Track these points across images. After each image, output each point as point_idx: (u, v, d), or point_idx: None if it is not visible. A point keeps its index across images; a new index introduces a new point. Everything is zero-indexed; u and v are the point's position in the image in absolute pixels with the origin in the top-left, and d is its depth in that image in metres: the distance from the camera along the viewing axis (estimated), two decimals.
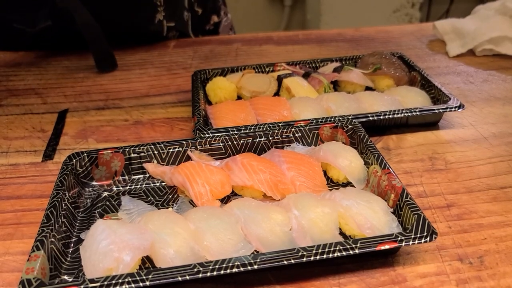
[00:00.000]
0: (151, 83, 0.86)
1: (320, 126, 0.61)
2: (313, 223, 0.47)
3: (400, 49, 0.95)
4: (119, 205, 0.54)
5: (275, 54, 0.97)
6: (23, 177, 0.61)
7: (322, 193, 0.52)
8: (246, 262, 0.41)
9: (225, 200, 0.54)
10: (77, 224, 0.51)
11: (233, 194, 0.55)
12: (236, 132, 0.61)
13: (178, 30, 1.04)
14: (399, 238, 0.43)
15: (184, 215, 0.48)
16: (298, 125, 0.61)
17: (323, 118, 0.63)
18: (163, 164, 0.58)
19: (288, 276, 0.45)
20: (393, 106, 0.68)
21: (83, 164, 0.56)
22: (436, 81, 0.73)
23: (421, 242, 0.43)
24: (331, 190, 0.54)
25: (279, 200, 0.52)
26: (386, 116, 0.64)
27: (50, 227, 0.46)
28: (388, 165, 0.53)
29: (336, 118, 0.62)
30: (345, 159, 0.55)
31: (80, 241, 0.49)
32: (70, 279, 0.44)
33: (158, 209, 0.53)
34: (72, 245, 0.49)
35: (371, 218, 0.47)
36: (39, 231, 0.45)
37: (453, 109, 0.66)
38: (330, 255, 0.42)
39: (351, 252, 0.42)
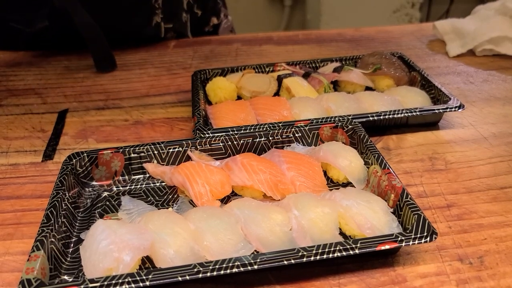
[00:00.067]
0: (151, 83, 0.86)
1: (320, 126, 0.61)
2: (313, 223, 0.47)
3: (400, 49, 0.95)
4: (119, 205, 0.54)
5: (275, 54, 0.97)
6: (23, 177, 0.61)
7: (322, 193, 0.52)
8: (246, 262, 0.41)
9: (225, 200, 0.54)
10: (77, 224, 0.51)
11: (233, 194, 0.55)
12: (236, 132, 0.61)
13: (176, 32, 1.04)
14: (399, 238, 0.43)
15: (184, 215, 0.48)
16: (298, 125, 0.61)
17: (323, 118, 0.63)
18: (163, 164, 0.58)
19: (288, 276, 0.45)
20: (393, 106, 0.68)
21: (83, 164, 0.56)
22: (436, 81, 0.73)
23: (421, 242, 0.43)
24: (331, 190, 0.54)
25: (279, 200, 0.52)
26: (386, 116, 0.64)
27: (50, 227, 0.46)
28: (388, 165, 0.53)
29: (336, 118, 0.62)
30: (345, 159, 0.55)
31: (80, 241, 0.49)
32: (70, 279, 0.44)
33: (158, 209, 0.53)
34: (72, 245, 0.49)
35: (371, 218, 0.47)
36: (39, 231, 0.45)
37: (453, 109, 0.66)
38: (330, 255, 0.42)
39: (351, 252, 0.42)
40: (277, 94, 0.75)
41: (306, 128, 0.61)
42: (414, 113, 0.64)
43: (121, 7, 0.94)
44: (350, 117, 0.62)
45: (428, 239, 0.43)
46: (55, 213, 0.48)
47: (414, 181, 0.58)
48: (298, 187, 0.54)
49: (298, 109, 0.67)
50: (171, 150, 0.58)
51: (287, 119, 0.65)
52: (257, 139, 0.60)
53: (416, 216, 0.45)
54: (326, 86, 0.74)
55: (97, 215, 0.53)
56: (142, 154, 0.58)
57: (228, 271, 0.41)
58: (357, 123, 0.61)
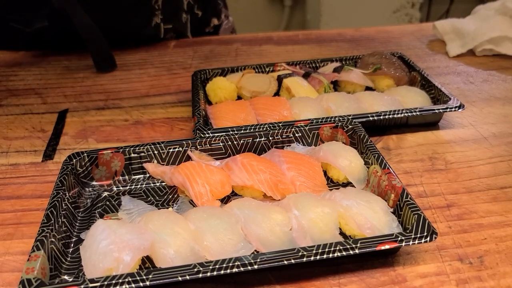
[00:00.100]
0: (151, 83, 0.86)
1: (320, 126, 0.61)
2: (313, 223, 0.47)
3: (400, 49, 0.95)
4: (119, 205, 0.54)
5: (275, 54, 0.97)
6: (23, 177, 0.61)
7: (322, 193, 0.52)
8: (246, 262, 0.41)
9: (225, 200, 0.54)
10: (77, 224, 0.51)
11: (233, 194, 0.55)
12: (236, 132, 0.61)
13: (176, 32, 1.04)
14: (399, 238, 0.43)
15: (184, 215, 0.48)
16: (298, 125, 0.61)
17: (323, 118, 0.63)
18: (163, 164, 0.58)
19: (288, 276, 0.45)
20: (393, 106, 0.68)
21: (83, 164, 0.56)
22: (436, 81, 0.73)
23: (421, 242, 0.43)
24: (331, 190, 0.54)
25: (279, 200, 0.52)
26: (386, 116, 0.64)
27: (50, 227, 0.46)
28: (388, 165, 0.53)
29: (336, 118, 0.62)
30: (345, 159, 0.55)
31: (80, 241, 0.49)
32: (70, 279, 0.44)
33: (158, 209, 0.53)
34: (72, 245, 0.49)
35: (371, 218, 0.47)
36: (39, 231, 0.45)
37: (453, 109, 0.66)
38: (330, 255, 0.42)
39: (351, 252, 0.42)
40: (277, 94, 0.75)
41: (306, 128, 0.61)
42: (414, 113, 0.64)
43: (120, 8, 0.94)
44: (350, 117, 0.62)
45: (428, 239, 0.43)
46: (55, 213, 0.48)
47: (414, 181, 0.58)
48: (298, 187, 0.54)
49: (298, 109, 0.67)
50: (171, 150, 0.58)
51: (287, 119, 0.65)
52: (257, 139, 0.60)
53: (416, 216, 0.45)
54: (326, 86, 0.74)
55: (97, 215, 0.53)
56: (142, 154, 0.58)
57: (228, 271, 0.41)
58: (357, 123, 0.61)
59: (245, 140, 0.59)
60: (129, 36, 1.01)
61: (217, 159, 0.59)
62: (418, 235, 0.43)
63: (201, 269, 0.41)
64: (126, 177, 0.58)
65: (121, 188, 0.57)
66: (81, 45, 0.90)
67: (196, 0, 1.04)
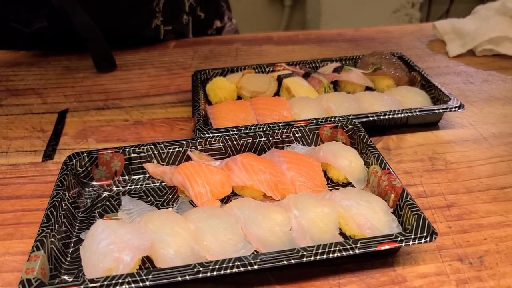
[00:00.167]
0: (151, 83, 0.86)
1: (320, 126, 0.61)
2: (313, 223, 0.47)
3: (400, 49, 0.95)
4: (119, 205, 0.54)
5: (275, 54, 0.97)
6: (23, 177, 0.61)
7: (322, 193, 0.52)
8: (246, 262, 0.41)
9: (225, 200, 0.54)
10: (77, 224, 0.51)
11: (233, 194, 0.55)
12: (236, 132, 0.61)
13: (176, 33, 1.04)
14: (399, 238, 0.43)
15: (184, 215, 0.48)
16: (298, 125, 0.61)
17: (323, 118, 0.63)
18: (163, 164, 0.58)
19: (288, 276, 0.45)
20: (393, 106, 0.68)
21: (83, 164, 0.56)
22: (436, 81, 0.73)
23: (421, 242, 0.43)
24: (331, 190, 0.54)
25: (279, 200, 0.52)
26: (386, 116, 0.64)
27: (50, 227, 0.46)
28: (388, 165, 0.53)
29: (336, 118, 0.62)
30: (345, 159, 0.55)
31: (80, 241, 0.49)
32: (70, 279, 0.44)
33: (158, 209, 0.53)
34: (72, 245, 0.49)
35: (371, 218, 0.47)
36: (39, 231, 0.45)
37: (453, 109, 0.66)
38: (330, 255, 0.42)
39: (351, 252, 0.42)
40: (277, 94, 0.75)
41: (306, 128, 0.61)
42: (414, 113, 0.64)
43: (120, 9, 0.94)
44: (350, 117, 0.62)
45: (428, 239, 0.43)
46: (55, 213, 0.48)
47: (414, 181, 0.58)
48: (298, 187, 0.54)
49: (298, 109, 0.67)
50: (171, 150, 0.58)
51: (287, 119, 0.65)
52: (257, 139, 0.60)
53: (416, 216, 0.45)
54: (326, 86, 0.74)
55: (97, 215, 0.53)
56: (142, 154, 0.58)
57: (228, 271, 0.41)
58: (357, 123, 0.61)
59: (245, 140, 0.59)
60: (128, 36, 1.01)
61: (217, 159, 0.59)
62: (418, 235, 0.43)
63: (201, 269, 0.41)
64: (126, 177, 0.58)
65: (121, 188, 0.57)
66: (81, 45, 0.90)
67: (198, 2, 1.04)
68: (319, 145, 0.60)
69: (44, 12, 0.92)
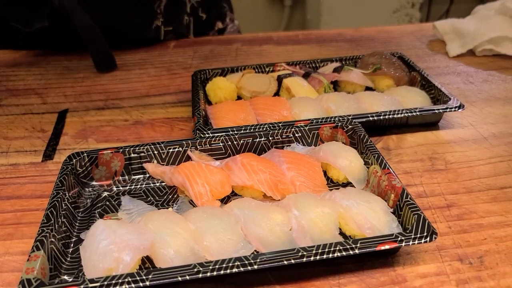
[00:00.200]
0: (151, 83, 0.86)
1: (320, 126, 0.61)
2: (313, 223, 0.47)
3: (400, 49, 0.95)
4: (119, 205, 0.54)
5: (275, 54, 0.97)
6: (23, 177, 0.61)
7: (322, 193, 0.52)
8: (246, 262, 0.41)
9: (225, 200, 0.54)
10: (77, 224, 0.51)
11: (233, 194, 0.55)
12: (236, 132, 0.61)
13: (177, 34, 1.04)
14: (399, 238, 0.43)
15: (184, 215, 0.48)
16: (298, 125, 0.61)
17: (323, 118, 0.63)
18: (163, 164, 0.58)
19: (288, 276, 0.45)
20: (393, 106, 0.68)
21: (83, 164, 0.56)
22: (436, 81, 0.73)
23: (421, 242, 0.43)
24: (331, 190, 0.54)
25: (279, 200, 0.52)
26: (386, 116, 0.64)
27: (50, 227, 0.46)
28: (388, 165, 0.53)
29: (336, 118, 0.62)
30: (345, 159, 0.55)
31: (80, 241, 0.49)
32: (70, 279, 0.44)
33: (158, 209, 0.53)
34: (72, 245, 0.49)
35: (371, 218, 0.47)
36: (39, 231, 0.45)
37: (453, 109, 0.66)
38: (330, 255, 0.42)
39: (351, 252, 0.42)
40: (277, 94, 0.75)
41: (306, 128, 0.61)
42: (414, 113, 0.64)
43: (121, 10, 0.94)
44: (350, 117, 0.62)
45: (428, 239, 0.43)
46: (55, 213, 0.48)
47: (414, 181, 0.58)
48: (298, 187, 0.54)
49: (298, 109, 0.66)
50: (171, 150, 0.58)
51: (287, 119, 0.65)
52: (257, 139, 0.60)
53: (416, 216, 0.45)
54: (326, 86, 0.74)
55: (97, 215, 0.53)
56: (142, 154, 0.58)
57: (228, 271, 0.41)
58: (357, 123, 0.61)
59: (245, 140, 0.59)
60: (129, 37, 1.01)
61: (217, 159, 0.59)
62: (418, 235, 0.43)
63: (201, 269, 0.41)
64: (126, 177, 0.58)
65: (121, 188, 0.57)
66: (81, 45, 0.90)
67: (200, 3, 1.04)
68: (319, 145, 0.60)
69: (45, 12, 0.92)
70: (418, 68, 0.78)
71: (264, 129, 0.61)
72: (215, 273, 0.41)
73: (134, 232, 0.44)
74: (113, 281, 0.39)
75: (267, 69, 0.80)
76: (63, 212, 0.50)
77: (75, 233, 0.50)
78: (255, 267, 0.41)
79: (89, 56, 0.91)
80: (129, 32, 0.99)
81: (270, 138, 0.60)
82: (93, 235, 0.44)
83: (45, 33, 0.94)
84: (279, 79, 0.75)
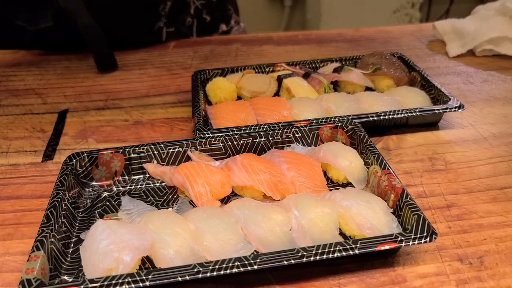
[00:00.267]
0: (151, 83, 0.86)
1: (320, 126, 0.61)
2: (313, 223, 0.47)
3: (400, 49, 0.95)
4: (119, 205, 0.54)
5: (275, 54, 0.97)
6: (23, 177, 0.61)
7: (322, 194, 0.52)
8: (246, 262, 0.41)
9: (225, 200, 0.54)
10: (77, 224, 0.51)
11: (233, 194, 0.55)
12: (236, 132, 0.61)
13: (179, 35, 1.04)
14: (399, 239, 0.43)
15: (184, 215, 0.48)
16: (298, 125, 0.61)
17: (323, 118, 0.63)
18: (163, 164, 0.58)
19: (288, 276, 0.45)
20: (393, 106, 0.68)
21: (83, 164, 0.56)
22: (436, 81, 0.73)
23: (421, 243, 0.43)
24: (331, 190, 0.54)
25: (279, 200, 0.52)
26: (386, 117, 0.64)
27: (50, 227, 0.46)
28: (388, 165, 0.53)
29: (336, 119, 0.62)
30: (345, 159, 0.55)
31: (80, 241, 0.49)
32: (70, 279, 0.45)
33: (158, 209, 0.53)
34: (72, 245, 0.49)
35: (371, 218, 0.47)
36: (39, 231, 0.45)
37: (453, 110, 0.66)
38: (330, 255, 0.42)
39: (351, 252, 0.42)
40: (277, 94, 0.75)
41: (306, 128, 0.61)
42: (414, 113, 0.64)
43: (126, 12, 0.94)
44: (350, 117, 0.62)
45: (428, 239, 0.43)
46: (55, 213, 0.48)
47: (414, 181, 0.58)
48: (298, 187, 0.54)
49: (298, 109, 0.67)
50: (171, 150, 0.58)
51: (287, 119, 0.65)
52: (257, 139, 0.60)
53: (416, 216, 0.45)
54: (326, 87, 0.74)
55: (97, 215, 0.53)
56: (142, 154, 0.58)
57: (228, 271, 0.41)
58: (357, 123, 0.61)
59: (245, 140, 0.59)
60: (131, 38, 1.00)
61: (217, 159, 0.59)
62: (418, 236, 0.43)
63: (201, 269, 0.41)
64: (126, 177, 0.58)
65: (121, 188, 0.57)
66: (83, 46, 0.90)
67: (204, 5, 1.04)
68: (319, 145, 0.60)
69: (50, 12, 0.92)
70: (418, 68, 0.78)
71: (264, 129, 0.61)
72: (215, 273, 0.41)
73: (134, 232, 0.44)
74: (113, 281, 0.39)
75: (267, 69, 0.80)
76: (63, 212, 0.50)
77: (75, 233, 0.50)
78: (255, 267, 0.41)
79: (89, 56, 0.91)
80: (132, 34, 0.99)
81: (270, 138, 0.60)
82: (93, 235, 0.44)
83: (50, 32, 0.94)
84: (279, 79, 0.75)
